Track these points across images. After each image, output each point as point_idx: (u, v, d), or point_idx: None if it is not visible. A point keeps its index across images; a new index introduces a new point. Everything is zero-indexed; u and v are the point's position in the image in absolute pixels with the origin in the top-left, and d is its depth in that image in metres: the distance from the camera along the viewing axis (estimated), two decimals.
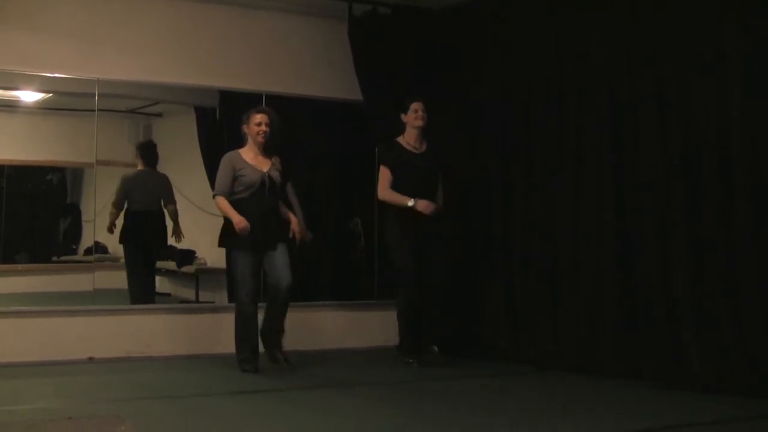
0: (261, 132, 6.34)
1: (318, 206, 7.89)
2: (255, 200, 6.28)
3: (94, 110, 7.21)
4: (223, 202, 6.28)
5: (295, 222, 6.52)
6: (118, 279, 7.52)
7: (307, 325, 7.62)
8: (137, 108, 8.22)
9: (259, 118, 6.37)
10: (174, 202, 7.80)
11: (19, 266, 7.76)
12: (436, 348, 6.70)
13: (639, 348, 6.04)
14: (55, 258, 8.17)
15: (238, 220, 6.16)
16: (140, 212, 7.69)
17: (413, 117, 6.74)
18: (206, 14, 7.52)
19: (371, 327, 7.81)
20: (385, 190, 6.73)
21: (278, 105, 7.66)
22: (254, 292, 6.28)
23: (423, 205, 6.58)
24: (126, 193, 7.65)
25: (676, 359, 5.79)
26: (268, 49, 7.76)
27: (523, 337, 6.91)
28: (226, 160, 6.35)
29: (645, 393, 5.62)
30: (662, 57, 6.03)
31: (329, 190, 8.11)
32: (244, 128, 6.42)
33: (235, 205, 6.27)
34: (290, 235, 6.45)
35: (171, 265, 8.16)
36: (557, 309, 6.67)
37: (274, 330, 6.40)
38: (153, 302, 7.67)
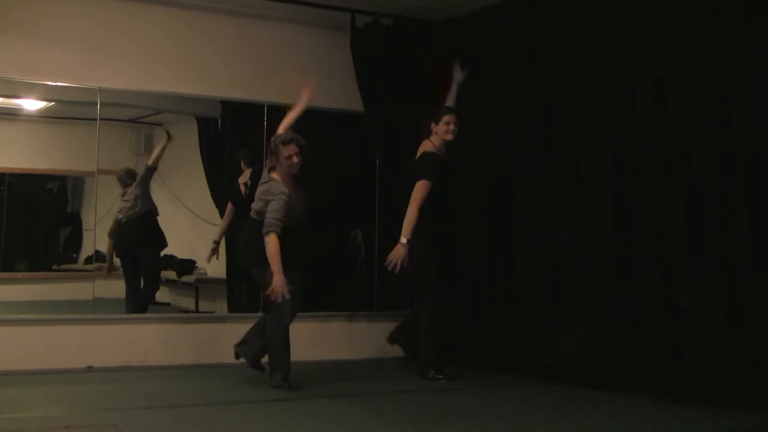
0: (294, 164, 5.98)
1: (319, 217, 7.88)
2: (298, 231, 6.02)
3: (96, 119, 7.21)
4: (275, 247, 5.77)
5: None
6: (118, 288, 7.52)
7: (307, 336, 7.60)
8: (139, 117, 8.24)
9: (290, 150, 5.96)
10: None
11: (19, 274, 7.76)
12: (441, 376, 6.51)
13: (639, 354, 6.02)
14: (55, 266, 8.17)
15: (280, 282, 5.73)
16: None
17: (444, 129, 6.59)
18: (208, 24, 7.53)
19: (371, 338, 7.80)
20: (415, 207, 6.39)
21: (279, 115, 7.69)
22: (295, 309, 6.10)
23: (394, 254, 6.31)
24: None
25: (676, 366, 5.78)
26: (270, 59, 7.77)
27: (523, 346, 6.88)
28: (284, 196, 5.88)
29: (645, 403, 5.63)
30: (663, 56, 6.05)
31: (330, 200, 8.10)
32: (273, 161, 6.05)
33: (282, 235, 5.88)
34: None
35: (171, 274, 8.16)
36: (557, 316, 6.63)
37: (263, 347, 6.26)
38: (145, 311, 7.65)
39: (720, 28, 5.74)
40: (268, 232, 5.78)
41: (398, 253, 6.31)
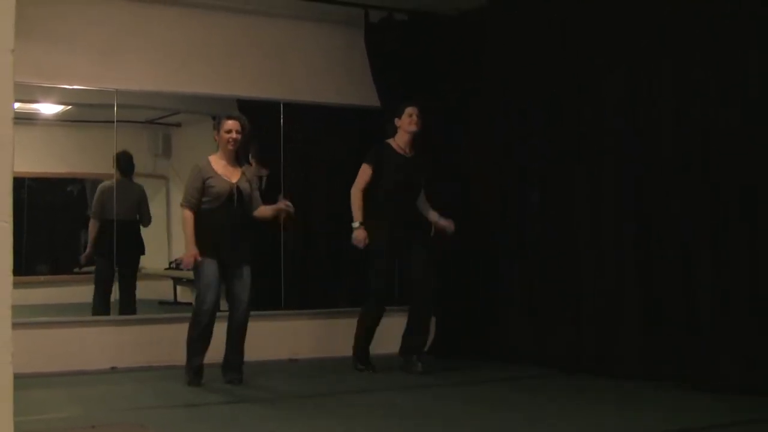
0: (231, 140, 6.06)
1: (334, 213, 7.87)
2: (223, 212, 6.03)
3: (113, 121, 7.25)
4: (189, 219, 6.00)
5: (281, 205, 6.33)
6: (139, 289, 7.54)
7: (320, 333, 7.64)
8: (156, 118, 8.26)
9: (230, 125, 6.08)
10: (149, 220, 7.72)
11: (41, 278, 7.78)
12: (420, 364, 6.58)
13: (661, 348, 6.00)
14: (76, 269, 8.19)
15: (191, 252, 5.94)
16: (114, 222, 7.48)
17: (408, 121, 6.65)
18: (223, 24, 7.56)
19: (386, 334, 7.76)
20: (356, 190, 6.65)
21: (296, 112, 7.72)
22: (215, 300, 6.05)
23: (356, 237, 6.52)
24: (103, 203, 7.51)
25: (699, 354, 5.75)
26: (285, 57, 7.79)
27: (543, 339, 6.87)
28: (196, 170, 6.07)
29: (668, 392, 5.62)
30: (663, 51, 6.03)
31: (346, 197, 8.07)
32: (215, 135, 6.17)
33: (203, 216, 6.02)
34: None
35: (189, 274, 8.16)
36: (578, 309, 6.61)
37: (234, 352, 6.16)
38: (134, 312, 7.47)
39: (720, 23, 5.71)
40: (181, 206, 6.07)
41: (357, 236, 6.53)
